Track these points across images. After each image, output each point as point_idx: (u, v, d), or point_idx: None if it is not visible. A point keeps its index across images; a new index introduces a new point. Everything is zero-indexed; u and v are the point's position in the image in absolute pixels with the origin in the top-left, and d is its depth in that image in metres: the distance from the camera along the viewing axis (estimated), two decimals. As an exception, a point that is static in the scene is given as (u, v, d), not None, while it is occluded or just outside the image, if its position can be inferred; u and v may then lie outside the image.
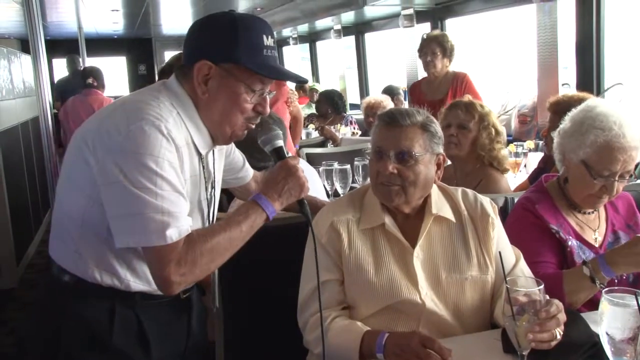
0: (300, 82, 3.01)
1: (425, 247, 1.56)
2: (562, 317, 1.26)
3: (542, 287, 1.25)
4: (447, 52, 3.97)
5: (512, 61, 5.94)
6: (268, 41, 1.35)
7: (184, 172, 1.30)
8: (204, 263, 1.27)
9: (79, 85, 5.59)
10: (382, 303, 1.52)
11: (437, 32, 4.26)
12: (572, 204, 1.80)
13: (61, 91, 7.54)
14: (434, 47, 3.95)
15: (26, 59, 5.68)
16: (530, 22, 4.04)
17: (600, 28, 3.64)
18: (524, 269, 1.59)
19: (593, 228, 1.80)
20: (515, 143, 3.48)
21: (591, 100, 1.81)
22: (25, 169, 5.22)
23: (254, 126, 1.43)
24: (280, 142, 1.46)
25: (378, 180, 1.56)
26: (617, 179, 1.67)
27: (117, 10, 8.25)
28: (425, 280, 1.53)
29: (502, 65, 6.27)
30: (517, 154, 3.31)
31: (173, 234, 1.21)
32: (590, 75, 3.71)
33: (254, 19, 1.36)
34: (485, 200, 1.64)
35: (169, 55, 14.57)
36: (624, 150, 1.63)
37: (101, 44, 11.71)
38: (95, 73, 5.48)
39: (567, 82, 3.90)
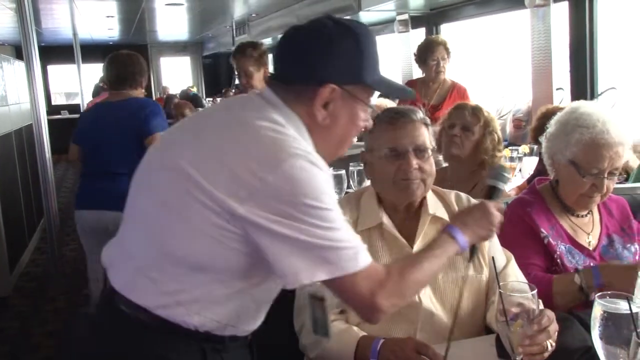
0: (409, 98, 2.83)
1: (421, 246, 1.56)
2: (554, 327, 1.25)
3: (535, 292, 1.24)
4: (450, 56, 3.99)
5: (507, 66, 5.95)
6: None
7: None
8: (410, 293, 1.23)
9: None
10: None
11: (440, 36, 4.25)
12: (565, 206, 1.80)
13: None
14: (442, 52, 3.95)
15: (20, 65, 5.67)
16: (524, 27, 4.05)
17: (593, 32, 3.66)
18: (515, 271, 1.59)
19: (587, 231, 1.80)
20: (510, 147, 3.48)
21: (574, 103, 1.85)
22: (19, 176, 5.20)
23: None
24: (501, 186, 1.42)
25: (397, 178, 1.55)
26: (606, 176, 1.68)
27: (112, 17, 8.27)
28: None
29: (497, 70, 6.28)
30: (512, 159, 3.31)
31: (366, 258, 1.13)
32: (584, 80, 3.72)
33: (368, 30, 1.24)
34: None
35: (165, 61, 14.60)
36: (609, 147, 1.65)
37: (96, 51, 11.68)
38: None
39: (561, 87, 3.91)
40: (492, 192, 1.41)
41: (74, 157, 3.26)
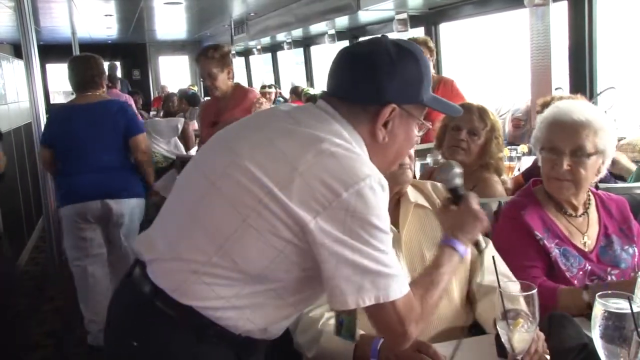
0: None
1: (408, 231, 1.63)
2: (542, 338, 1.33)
3: (535, 291, 1.24)
4: (434, 54, 4.00)
5: (506, 65, 5.96)
6: None
7: None
8: (431, 314, 1.28)
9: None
10: None
11: (421, 36, 4.26)
12: (557, 205, 1.80)
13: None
14: (425, 51, 3.95)
15: (19, 64, 5.66)
16: (523, 26, 4.06)
17: (592, 32, 3.66)
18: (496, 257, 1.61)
19: (582, 232, 1.78)
20: (509, 147, 3.48)
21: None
22: (18, 175, 5.19)
23: None
24: (459, 182, 1.47)
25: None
26: (567, 153, 1.71)
27: (110, 15, 8.25)
28: (411, 261, 1.59)
29: (496, 69, 6.28)
30: (511, 158, 3.31)
31: (406, 286, 1.17)
32: (583, 79, 3.72)
33: (421, 49, 1.28)
34: None
35: (163, 60, 14.58)
36: (569, 126, 1.72)
37: (95, 49, 11.47)
38: (111, 78, 7.10)
39: (560, 86, 3.91)
40: (457, 193, 1.45)
41: (47, 158, 3.36)
